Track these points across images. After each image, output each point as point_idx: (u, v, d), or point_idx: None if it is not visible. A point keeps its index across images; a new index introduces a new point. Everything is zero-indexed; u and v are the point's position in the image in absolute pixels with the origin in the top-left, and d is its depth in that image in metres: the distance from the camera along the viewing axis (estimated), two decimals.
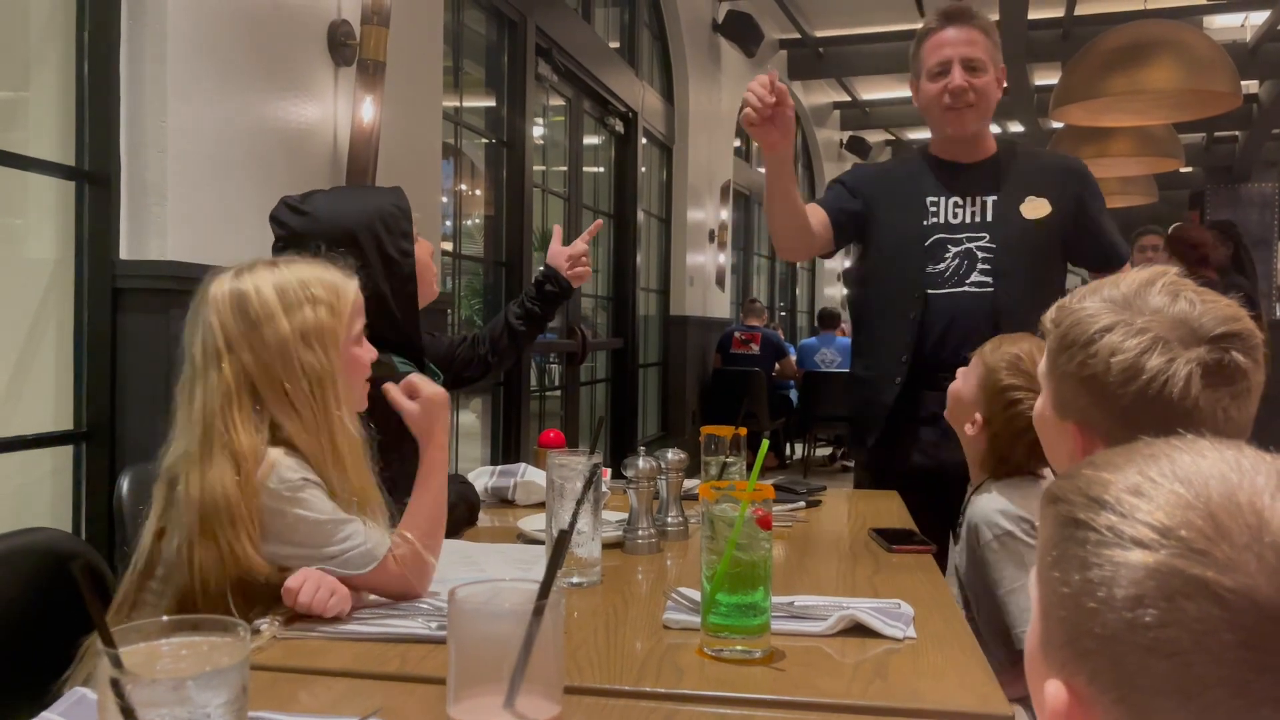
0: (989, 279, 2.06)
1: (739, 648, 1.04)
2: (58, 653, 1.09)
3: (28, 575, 1.16)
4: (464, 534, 1.63)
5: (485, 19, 4.17)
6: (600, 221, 2.32)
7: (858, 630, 1.11)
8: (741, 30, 6.69)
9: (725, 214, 7.33)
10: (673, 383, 6.54)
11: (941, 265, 2.08)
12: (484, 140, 4.29)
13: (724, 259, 7.33)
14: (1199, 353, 0.95)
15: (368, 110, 2.63)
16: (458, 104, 3.91)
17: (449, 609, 0.74)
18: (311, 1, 2.54)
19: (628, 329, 5.85)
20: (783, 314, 10.93)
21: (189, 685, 0.62)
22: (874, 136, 11.04)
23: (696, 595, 1.13)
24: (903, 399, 2.06)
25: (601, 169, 5.83)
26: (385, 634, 1.10)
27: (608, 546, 1.44)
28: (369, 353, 1.29)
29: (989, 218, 2.09)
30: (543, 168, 4.97)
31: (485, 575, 1.35)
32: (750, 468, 1.25)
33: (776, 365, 7.37)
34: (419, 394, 1.27)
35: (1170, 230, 4.76)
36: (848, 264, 2.34)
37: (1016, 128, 10.00)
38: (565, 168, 5.22)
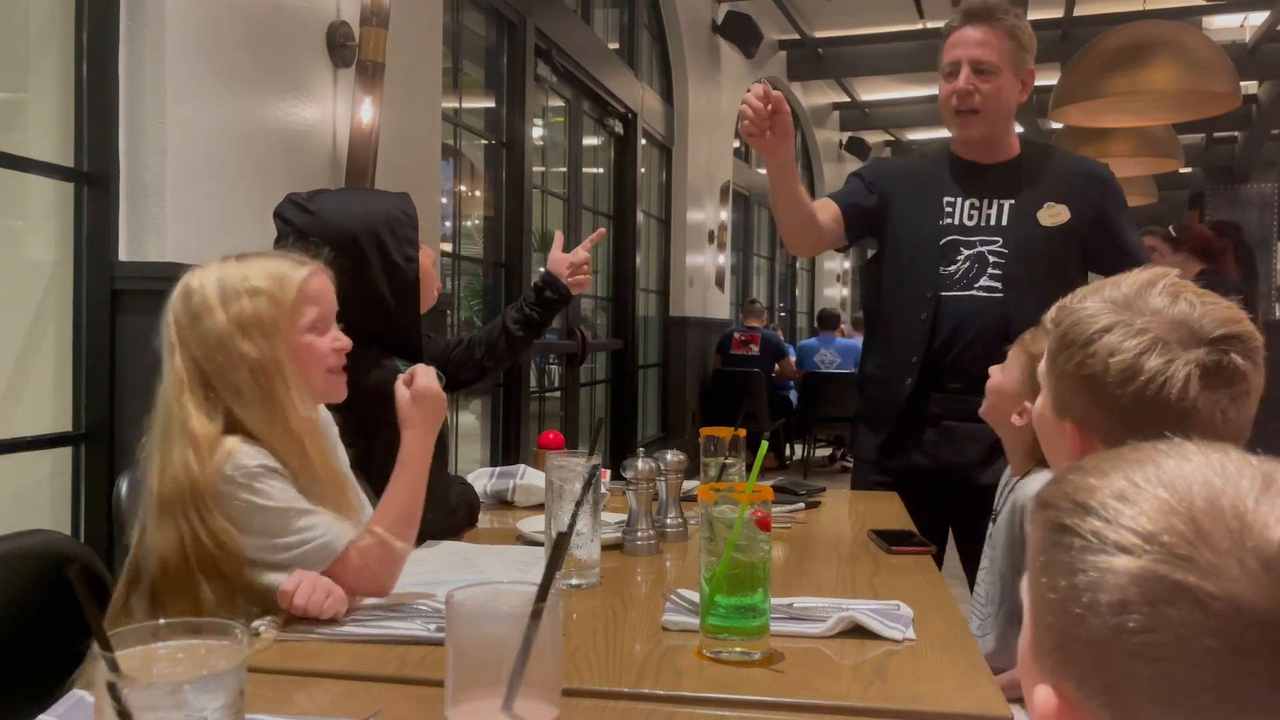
0: (998, 284, 2.03)
1: (738, 649, 1.04)
2: (56, 655, 1.09)
3: (26, 577, 1.16)
4: (463, 535, 1.63)
5: (484, 20, 4.18)
6: (602, 230, 2.31)
7: (857, 632, 1.11)
8: (741, 31, 6.69)
9: (725, 215, 7.34)
10: (672, 384, 6.54)
11: (953, 267, 2.06)
12: (483, 141, 4.29)
13: (723, 260, 7.34)
14: (1198, 354, 0.95)
15: (367, 111, 2.63)
16: (457, 105, 3.91)
17: (447, 611, 0.74)
18: (311, 2, 2.54)
19: (627, 330, 5.85)
20: (782, 315, 10.93)
21: (186, 689, 0.62)
22: (873, 137, 11.05)
23: (695, 597, 1.12)
24: (910, 399, 2.06)
25: (601, 170, 5.83)
26: (383, 636, 1.09)
27: (607, 548, 1.44)
28: (333, 342, 1.27)
29: (1003, 222, 2.07)
30: (542, 169, 4.97)
31: (484, 577, 1.34)
32: (750, 469, 1.25)
33: (776, 366, 7.37)
34: (414, 384, 1.27)
35: (1178, 230, 4.73)
36: (848, 263, 2.33)
37: (1016, 128, 10.00)
38: (565, 169, 5.22)
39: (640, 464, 1.53)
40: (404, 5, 2.87)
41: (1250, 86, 8.29)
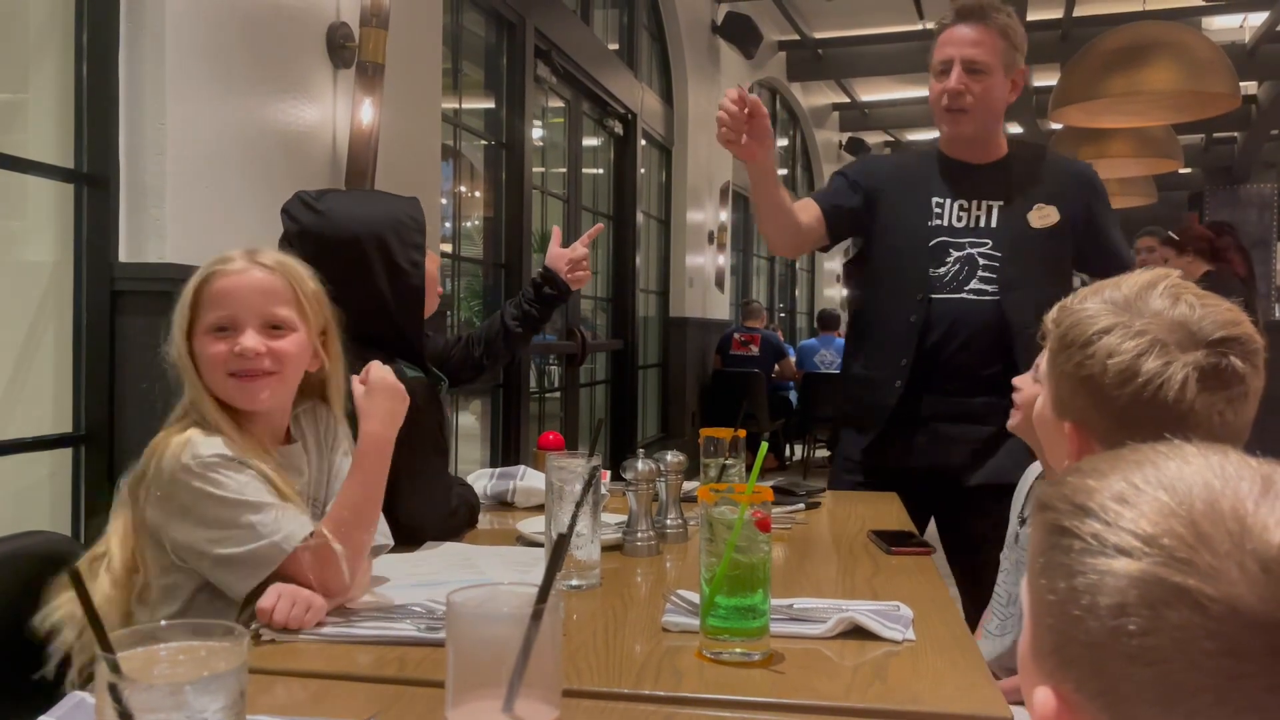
0: (990, 286, 2.03)
1: (738, 650, 1.04)
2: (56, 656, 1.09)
3: (26, 578, 1.16)
4: (464, 536, 1.63)
5: (484, 21, 4.18)
6: (601, 225, 2.30)
7: (857, 633, 1.11)
8: (740, 32, 6.69)
9: (724, 215, 7.34)
10: (672, 384, 6.54)
11: (943, 269, 2.05)
12: (483, 142, 4.29)
13: (723, 260, 7.34)
14: (1196, 356, 0.95)
15: (367, 112, 2.63)
16: (457, 106, 3.91)
17: (448, 612, 0.74)
18: (310, 3, 2.54)
19: (627, 330, 5.85)
20: (782, 315, 10.94)
21: (187, 690, 0.62)
22: (873, 138, 11.05)
23: (695, 598, 1.12)
24: (901, 401, 2.05)
25: (601, 170, 5.83)
26: (380, 637, 1.09)
27: (607, 549, 1.44)
28: (243, 344, 1.20)
29: (993, 223, 2.06)
30: (542, 169, 4.97)
31: (484, 578, 1.34)
32: (749, 469, 1.25)
33: (776, 367, 7.37)
34: (368, 376, 1.26)
35: (1179, 233, 4.73)
36: (840, 261, 2.33)
37: (1015, 129, 10.01)
38: (564, 169, 5.23)
39: (640, 465, 1.53)
40: (404, 6, 2.87)
41: (1250, 87, 8.29)
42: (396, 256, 1.58)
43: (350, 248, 1.53)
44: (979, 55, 2.01)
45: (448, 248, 3.96)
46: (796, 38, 7.79)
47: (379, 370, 1.26)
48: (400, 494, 1.30)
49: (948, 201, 2.08)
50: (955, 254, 2.05)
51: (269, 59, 2.38)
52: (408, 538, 1.50)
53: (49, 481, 2.08)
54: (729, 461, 1.76)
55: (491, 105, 4.29)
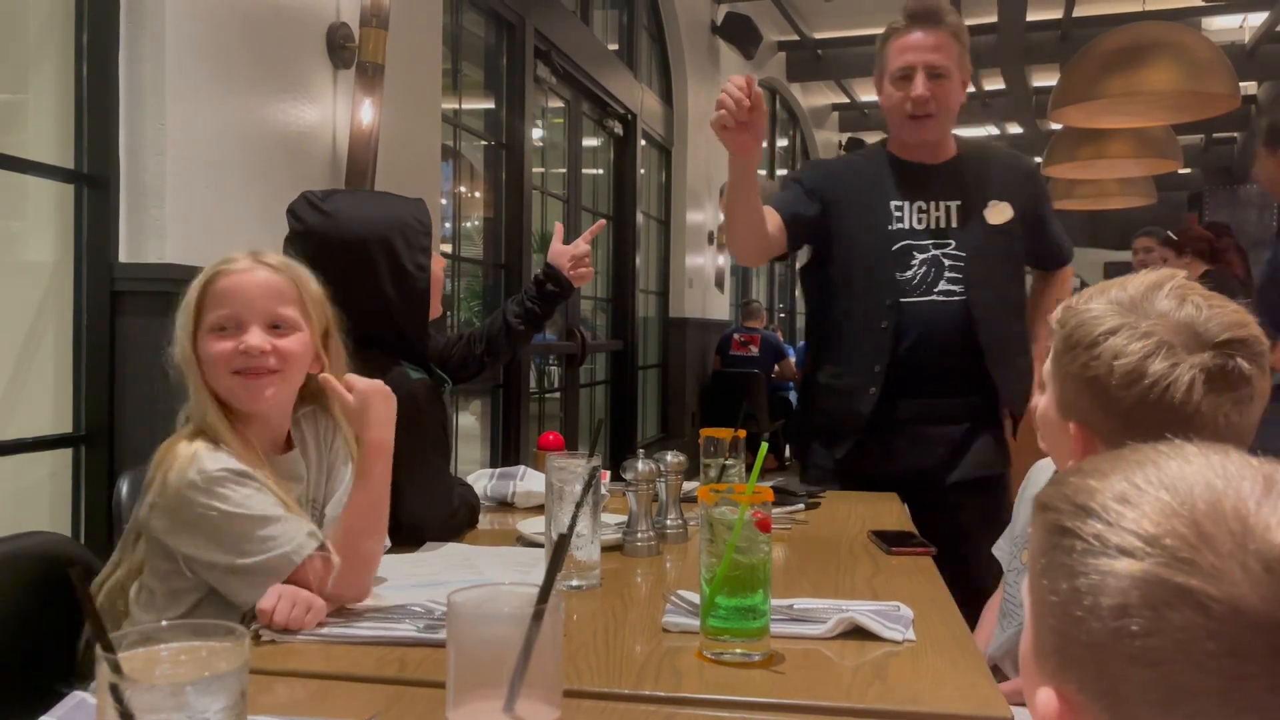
0: (957, 287, 2.03)
1: (738, 651, 1.04)
2: (56, 656, 1.09)
3: (27, 578, 1.16)
4: (464, 537, 1.63)
5: (484, 21, 4.18)
6: (603, 222, 2.29)
7: (857, 633, 1.11)
8: (740, 32, 6.69)
9: (724, 216, 7.33)
10: (672, 385, 6.54)
11: (909, 273, 2.04)
12: (483, 142, 4.29)
13: (723, 261, 7.34)
14: (1203, 358, 0.95)
15: (367, 113, 2.63)
16: (457, 106, 3.91)
17: (449, 613, 0.74)
18: (310, 4, 2.54)
19: (627, 331, 5.85)
20: (782, 316, 10.94)
21: (188, 690, 0.62)
22: (872, 138, 11.03)
23: (696, 598, 1.12)
24: (877, 408, 2.03)
25: (600, 171, 5.83)
26: (381, 637, 1.09)
27: (607, 549, 1.44)
28: (247, 343, 1.20)
29: (953, 224, 2.06)
30: (542, 170, 4.97)
31: (484, 578, 1.35)
32: (749, 470, 1.25)
33: (776, 367, 7.37)
34: (354, 386, 1.26)
35: (1178, 234, 4.74)
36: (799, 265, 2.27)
37: (1015, 129, 10.02)
38: (564, 170, 5.23)
39: (640, 465, 1.53)
40: (404, 6, 2.87)
41: (1249, 87, 8.30)
42: (402, 259, 1.58)
43: (356, 249, 1.53)
44: (939, 60, 2.01)
45: (448, 248, 3.96)
46: (796, 38, 7.80)
47: (361, 379, 1.27)
48: (402, 494, 1.30)
49: (906, 204, 2.07)
50: (920, 256, 2.05)
51: (269, 59, 2.38)
52: (408, 538, 1.50)
53: (49, 481, 2.08)
54: (729, 462, 1.76)
55: (491, 105, 4.29)
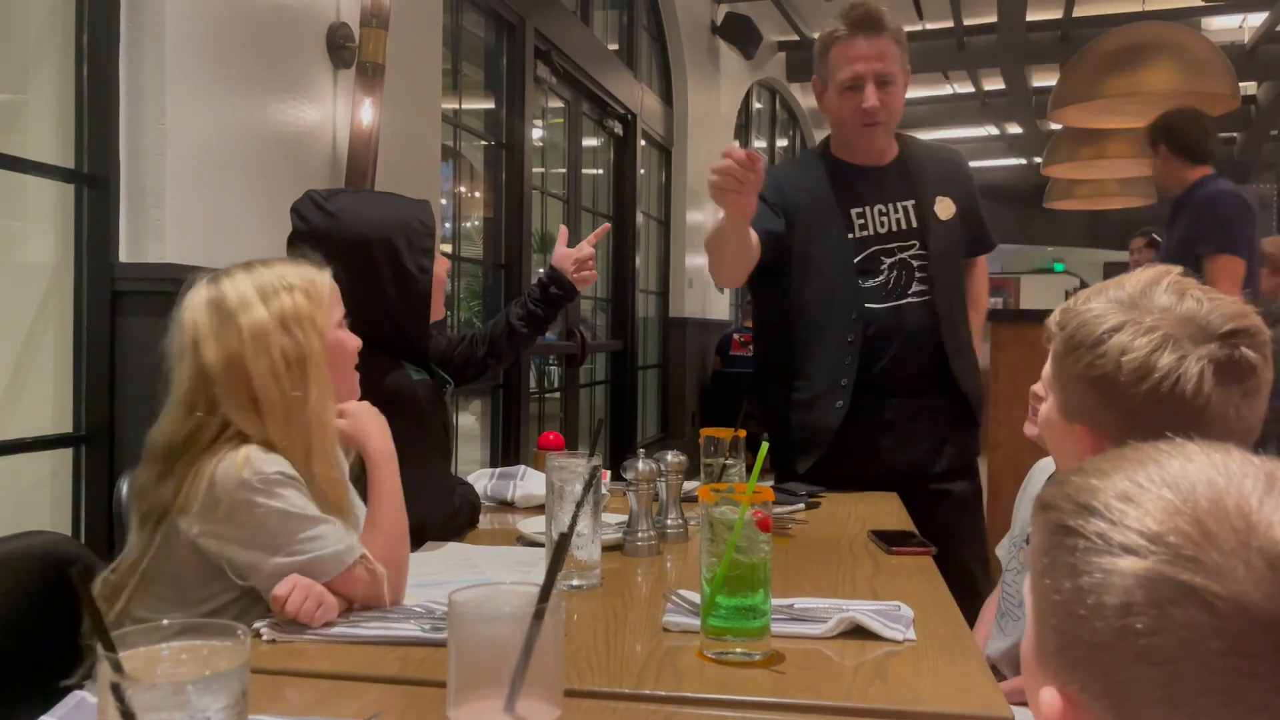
0: (924, 287, 2.04)
1: (739, 650, 1.04)
2: (57, 656, 1.09)
3: (27, 578, 1.16)
4: (464, 536, 1.63)
5: (484, 21, 4.18)
6: (607, 226, 2.30)
7: (857, 632, 1.11)
8: (740, 32, 6.69)
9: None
10: (672, 384, 6.54)
11: (880, 279, 2.02)
12: (483, 142, 4.29)
13: None
14: (1210, 349, 0.95)
15: (367, 113, 2.63)
16: (457, 106, 3.91)
17: (450, 612, 0.74)
18: (310, 4, 2.54)
19: (627, 331, 5.85)
20: None
21: (189, 689, 0.62)
22: None
23: (696, 598, 1.13)
24: (852, 414, 2.02)
25: (600, 171, 5.83)
26: (382, 637, 1.10)
27: (607, 549, 1.44)
28: (352, 340, 1.30)
29: (913, 223, 2.06)
30: (542, 170, 4.97)
31: (485, 578, 1.35)
32: (750, 470, 1.25)
33: None
34: (343, 412, 1.28)
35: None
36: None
37: (1015, 129, 10.02)
38: (564, 170, 5.23)
39: (640, 465, 1.53)
40: (404, 6, 2.87)
41: (1249, 87, 8.30)
42: (404, 260, 1.58)
43: (358, 249, 1.53)
44: (886, 68, 2.00)
45: (448, 248, 3.96)
46: (796, 38, 7.79)
47: (350, 405, 1.30)
48: (404, 495, 1.31)
49: (866, 209, 2.06)
50: (887, 261, 2.04)
51: (269, 59, 2.38)
52: (410, 538, 1.50)
53: (49, 481, 2.08)
54: (729, 461, 1.76)
55: (491, 105, 4.29)
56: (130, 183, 2.07)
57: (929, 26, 7.11)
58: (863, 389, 2.02)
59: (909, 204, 2.07)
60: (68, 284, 2.06)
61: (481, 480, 1.94)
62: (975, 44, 7.28)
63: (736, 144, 1.74)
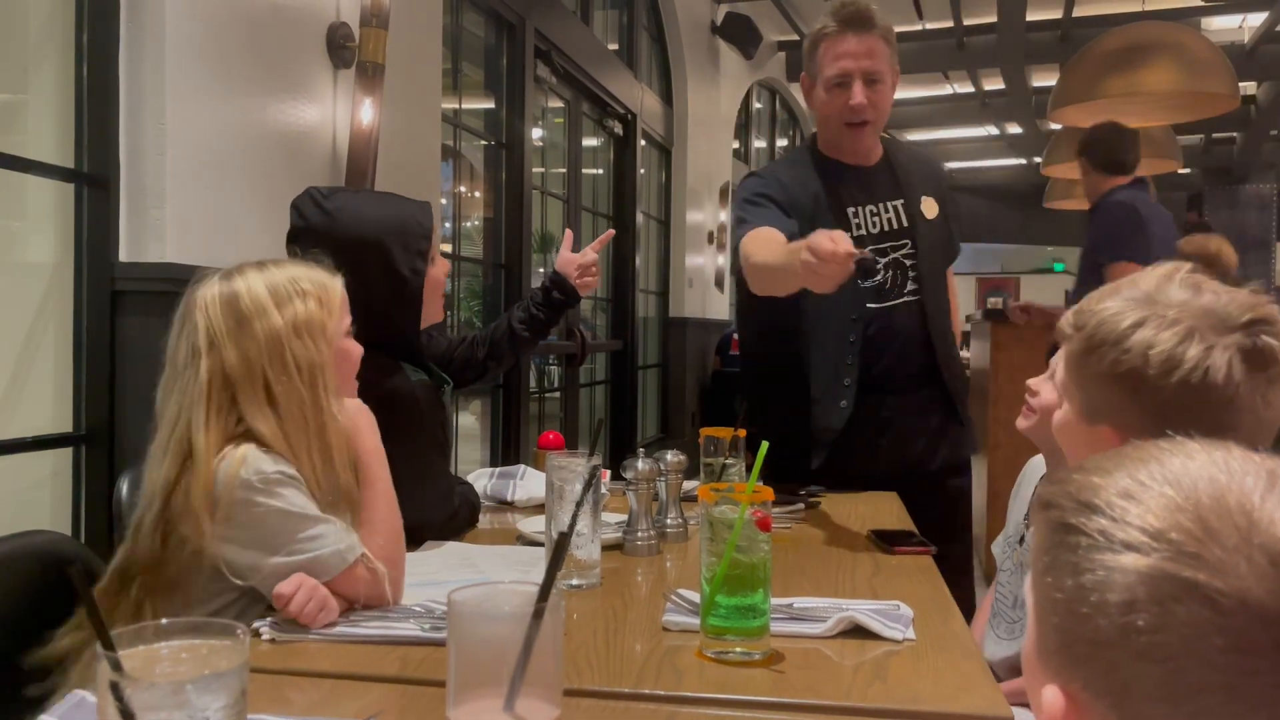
0: (916, 286, 2.05)
1: (738, 650, 1.04)
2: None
3: (27, 578, 1.16)
4: (464, 536, 1.63)
5: (484, 21, 4.18)
6: (611, 232, 2.28)
7: (857, 632, 1.11)
8: (740, 32, 6.69)
9: (724, 216, 7.34)
10: (672, 384, 6.54)
11: (876, 279, 1.99)
12: (483, 142, 4.29)
13: (723, 261, 7.34)
14: (1234, 339, 0.95)
15: (367, 112, 2.63)
16: (457, 106, 3.91)
17: (449, 611, 0.74)
18: (310, 4, 2.54)
19: (627, 331, 5.85)
20: None
21: (188, 689, 0.62)
22: None
23: (696, 597, 1.13)
24: (855, 415, 2.01)
25: (600, 171, 5.83)
26: (380, 636, 1.10)
27: (607, 548, 1.44)
28: (356, 348, 1.31)
29: (903, 223, 2.06)
30: (542, 170, 4.97)
31: (485, 577, 1.35)
32: (749, 469, 1.25)
33: None
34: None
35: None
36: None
37: (1015, 129, 10.01)
38: (564, 170, 5.23)
39: (640, 464, 1.53)
40: (404, 6, 2.87)
41: (1249, 87, 8.30)
42: (397, 262, 1.57)
43: (351, 249, 1.53)
44: (875, 66, 1.97)
45: (448, 248, 3.96)
46: (796, 38, 7.79)
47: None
48: (403, 495, 1.31)
49: (859, 209, 2.06)
50: (882, 260, 2.04)
51: (269, 59, 2.38)
52: (409, 538, 1.49)
53: (49, 481, 2.08)
54: (729, 461, 1.76)
55: (491, 105, 4.29)
56: (130, 182, 2.07)
57: (929, 26, 7.11)
58: (863, 389, 2.02)
59: (898, 204, 2.08)
60: (68, 284, 2.06)
61: (481, 480, 1.94)
62: (975, 44, 7.28)
63: (847, 236, 1.58)
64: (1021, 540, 1.57)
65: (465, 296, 4.71)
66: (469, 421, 4.77)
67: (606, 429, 5.80)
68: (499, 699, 0.70)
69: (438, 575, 1.35)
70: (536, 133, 4.68)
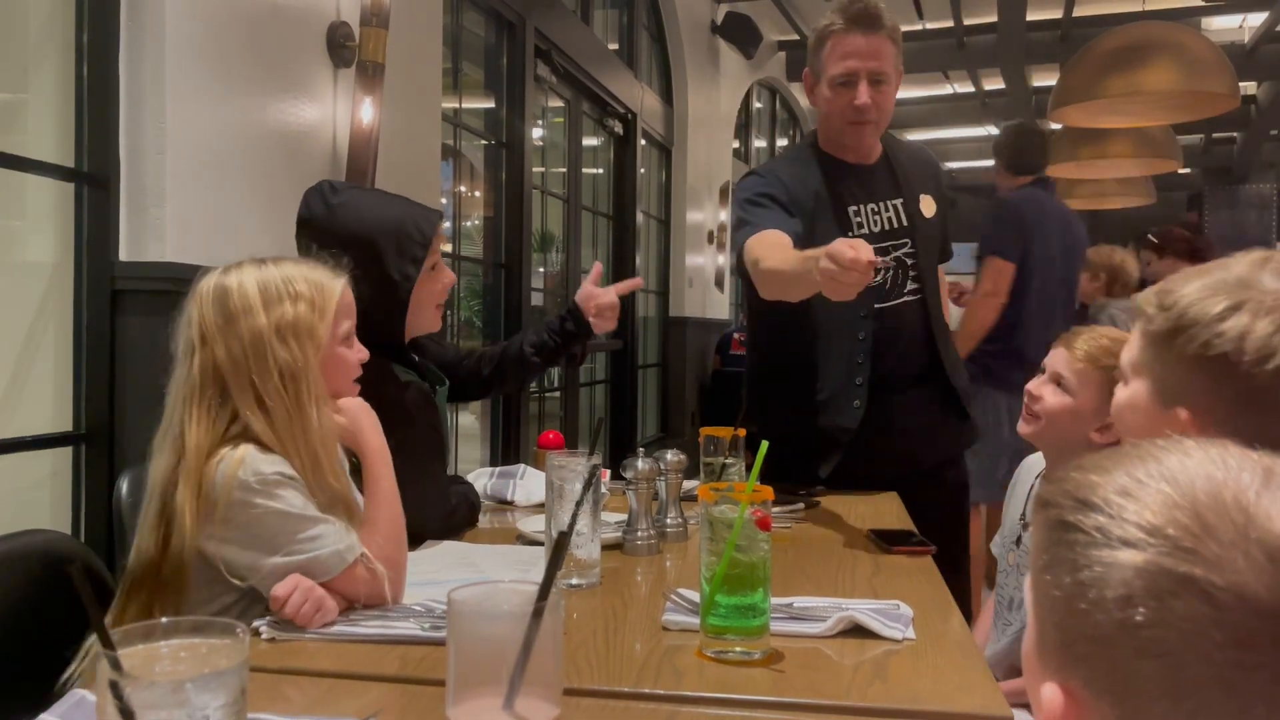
0: (918, 285, 2.06)
1: (738, 649, 1.04)
2: (57, 655, 1.09)
3: (27, 577, 1.16)
4: (464, 535, 1.63)
5: (484, 21, 4.18)
6: (640, 281, 2.27)
7: (857, 631, 1.11)
8: (740, 32, 6.69)
9: (724, 215, 7.34)
10: (672, 384, 6.54)
11: (879, 277, 1.97)
12: (483, 142, 4.29)
13: (723, 260, 7.34)
14: None
15: (367, 112, 2.63)
16: (457, 105, 3.91)
17: (448, 611, 0.74)
18: (310, 3, 2.54)
19: (627, 330, 5.85)
20: None
21: (188, 687, 0.62)
22: None
23: (696, 596, 1.13)
24: (866, 416, 2.00)
25: (601, 170, 5.83)
26: (380, 635, 1.10)
27: (607, 548, 1.44)
28: (358, 353, 1.30)
29: (903, 221, 2.07)
30: (542, 169, 4.97)
31: (484, 576, 1.35)
32: (749, 469, 1.25)
33: None
34: (341, 409, 1.27)
35: (1158, 236, 4.82)
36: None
37: None
38: (565, 169, 5.23)
39: (640, 464, 1.53)
40: (404, 6, 2.87)
41: (1249, 87, 8.30)
42: (388, 265, 1.55)
43: (345, 245, 1.52)
44: (881, 67, 1.96)
45: (448, 248, 3.96)
46: (796, 38, 7.79)
47: (342, 400, 1.29)
48: (400, 495, 1.30)
49: (861, 207, 2.05)
50: (893, 264, 2.05)
51: (269, 59, 2.38)
52: (408, 537, 1.50)
53: (49, 481, 2.08)
54: (729, 461, 1.77)
55: (491, 105, 4.29)
56: (130, 182, 2.07)
57: (929, 26, 7.10)
58: (872, 387, 2.03)
59: (897, 202, 2.08)
60: (68, 283, 2.06)
61: (481, 479, 1.94)
62: (975, 44, 7.28)
63: (867, 244, 1.56)
64: (1018, 541, 1.57)
65: (465, 296, 4.70)
66: (469, 421, 4.77)
67: (606, 428, 5.80)
68: (499, 698, 0.70)
69: (437, 574, 1.35)
70: (537, 132, 4.68)
